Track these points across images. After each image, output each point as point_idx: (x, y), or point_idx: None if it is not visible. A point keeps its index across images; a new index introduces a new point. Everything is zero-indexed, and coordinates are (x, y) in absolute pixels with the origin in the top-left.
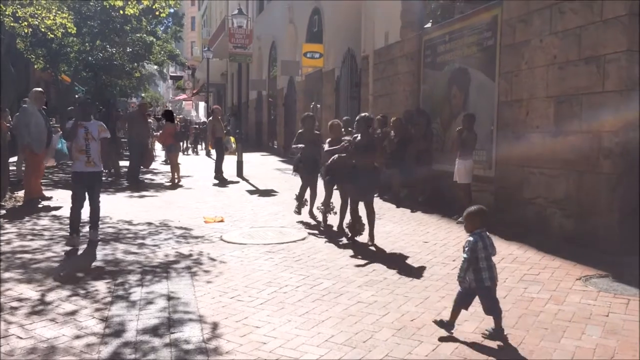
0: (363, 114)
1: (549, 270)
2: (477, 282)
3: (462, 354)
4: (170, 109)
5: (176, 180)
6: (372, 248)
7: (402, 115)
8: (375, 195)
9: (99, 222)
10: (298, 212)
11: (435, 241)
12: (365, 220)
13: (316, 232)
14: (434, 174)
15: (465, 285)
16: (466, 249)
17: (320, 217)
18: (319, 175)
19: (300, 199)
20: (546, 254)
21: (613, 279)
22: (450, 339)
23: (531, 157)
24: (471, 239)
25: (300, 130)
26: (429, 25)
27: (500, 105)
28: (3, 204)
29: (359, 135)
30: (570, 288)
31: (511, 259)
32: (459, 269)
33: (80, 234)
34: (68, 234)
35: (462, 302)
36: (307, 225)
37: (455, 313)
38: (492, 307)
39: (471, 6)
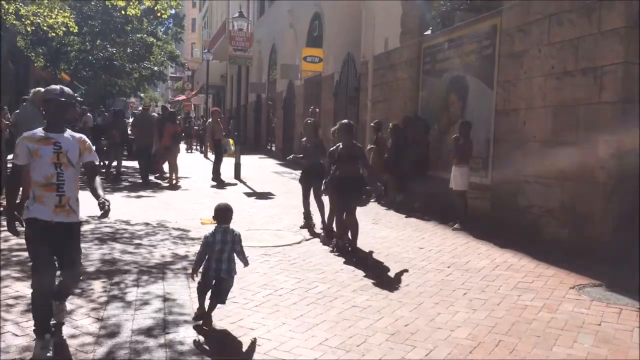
0: (344, 121)
1: (542, 278)
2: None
3: (457, 359)
4: (173, 110)
5: (174, 181)
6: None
7: (400, 121)
8: (371, 200)
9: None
10: (305, 227)
11: (430, 247)
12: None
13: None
14: (430, 181)
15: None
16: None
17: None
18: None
19: (306, 214)
20: (540, 262)
21: (606, 288)
22: (444, 344)
23: (527, 166)
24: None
25: (303, 139)
26: (428, 32)
27: (497, 113)
28: (2, 201)
29: (341, 144)
30: (564, 296)
31: (505, 266)
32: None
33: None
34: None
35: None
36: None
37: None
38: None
39: (471, 15)
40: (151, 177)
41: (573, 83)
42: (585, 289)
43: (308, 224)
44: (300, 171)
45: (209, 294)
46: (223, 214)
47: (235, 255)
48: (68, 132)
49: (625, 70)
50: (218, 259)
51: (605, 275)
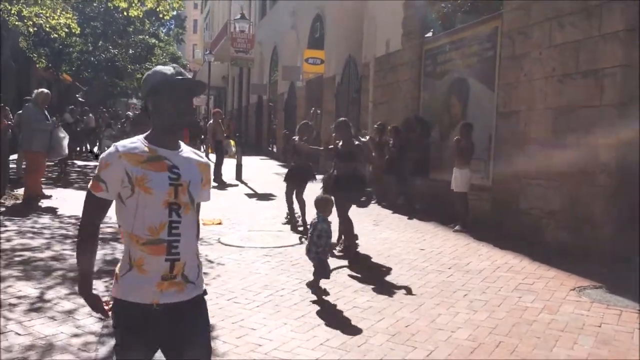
0: (341, 119)
1: (543, 280)
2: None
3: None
4: None
5: None
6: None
7: (401, 123)
8: (372, 202)
9: None
10: (288, 223)
11: (431, 249)
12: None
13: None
14: (431, 182)
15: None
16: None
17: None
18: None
19: (289, 212)
20: (541, 264)
21: (607, 290)
22: (445, 345)
23: (528, 168)
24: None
25: (294, 137)
26: (430, 34)
27: (498, 115)
28: (3, 201)
29: (341, 142)
30: (564, 298)
31: (506, 268)
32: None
33: None
34: (68, 232)
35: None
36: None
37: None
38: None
39: (472, 17)
40: None
41: (574, 85)
42: (585, 290)
43: (290, 221)
44: (290, 170)
45: None
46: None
47: None
48: (183, 147)
49: (625, 72)
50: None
51: (605, 277)
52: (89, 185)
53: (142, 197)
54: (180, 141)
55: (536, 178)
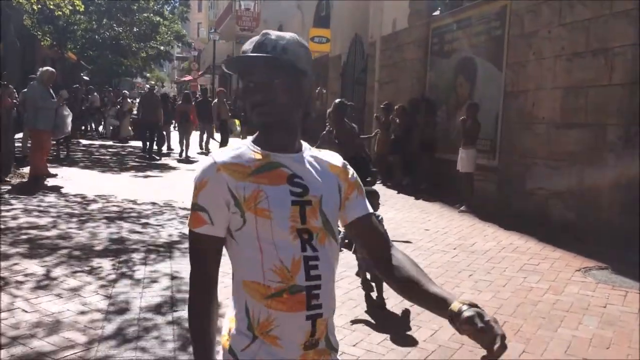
0: (338, 100)
1: (549, 260)
2: None
3: (460, 340)
4: (187, 91)
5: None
6: None
7: (407, 103)
8: (377, 182)
9: None
10: None
11: (436, 229)
12: None
13: None
14: (437, 162)
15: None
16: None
17: None
18: None
19: None
20: (547, 244)
21: (612, 271)
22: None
23: (535, 148)
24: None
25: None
26: (437, 12)
27: (506, 95)
28: (8, 179)
29: (334, 129)
30: (569, 279)
31: (512, 248)
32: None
33: None
34: (73, 210)
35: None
36: None
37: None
38: None
39: None
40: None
41: (583, 64)
42: (591, 271)
43: None
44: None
45: None
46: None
47: None
48: (306, 148)
49: (635, 52)
50: None
51: (611, 258)
52: (187, 223)
53: (258, 224)
54: (301, 140)
55: (543, 158)
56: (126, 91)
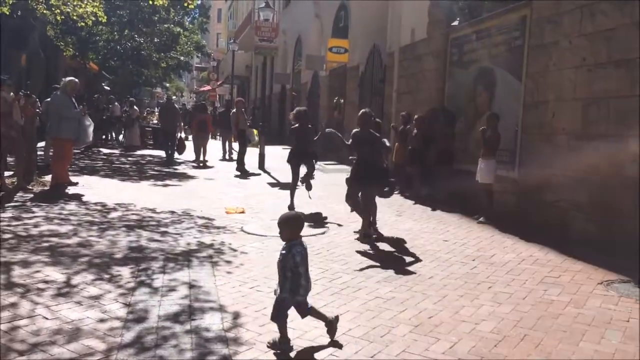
0: (364, 110)
1: (570, 273)
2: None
3: (479, 353)
4: (203, 102)
5: (202, 163)
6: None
7: (426, 113)
8: (395, 192)
9: None
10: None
11: (455, 240)
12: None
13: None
14: (456, 173)
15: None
16: (297, 259)
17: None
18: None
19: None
20: (568, 257)
21: (635, 284)
22: (468, 337)
23: (555, 159)
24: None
25: (295, 125)
26: (456, 23)
27: (526, 106)
28: (31, 187)
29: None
30: (591, 292)
31: (532, 260)
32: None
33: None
34: (94, 218)
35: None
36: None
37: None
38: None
39: (500, 5)
40: (177, 157)
41: (605, 75)
42: (613, 284)
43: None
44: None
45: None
46: (298, 224)
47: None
48: None
49: None
50: (307, 276)
51: (634, 271)
52: None
53: None
54: None
55: (564, 169)
56: (132, 98)
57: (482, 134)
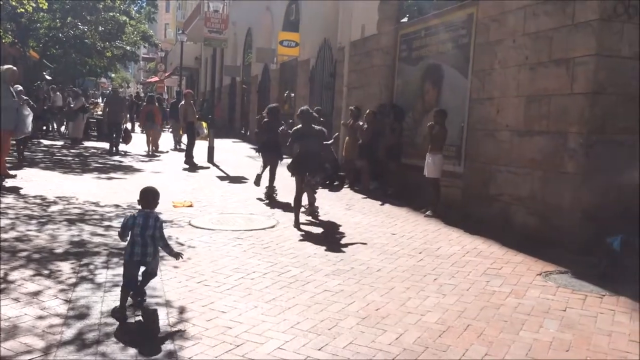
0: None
1: (511, 265)
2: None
3: (425, 343)
4: (152, 93)
5: (151, 152)
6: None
7: (375, 108)
8: (345, 186)
9: None
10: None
11: (402, 233)
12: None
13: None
14: (404, 168)
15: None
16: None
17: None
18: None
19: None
20: (509, 249)
21: (572, 275)
22: (414, 328)
23: (499, 155)
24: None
25: (265, 120)
26: (405, 19)
27: (472, 102)
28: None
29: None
30: (531, 283)
31: (475, 253)
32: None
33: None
34: (32, 212)
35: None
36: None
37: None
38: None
39: (448, 3)
40: (122, 150)
41: (546, 74)
42: (551, 275)
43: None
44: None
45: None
46: (146, 197)
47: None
48: None
49: (596, 62)
50: (143, 244)
51: (571, 262)
52: None
53: None
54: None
55: (506, 165)
56: (77, 89)
57: (430, 129)
